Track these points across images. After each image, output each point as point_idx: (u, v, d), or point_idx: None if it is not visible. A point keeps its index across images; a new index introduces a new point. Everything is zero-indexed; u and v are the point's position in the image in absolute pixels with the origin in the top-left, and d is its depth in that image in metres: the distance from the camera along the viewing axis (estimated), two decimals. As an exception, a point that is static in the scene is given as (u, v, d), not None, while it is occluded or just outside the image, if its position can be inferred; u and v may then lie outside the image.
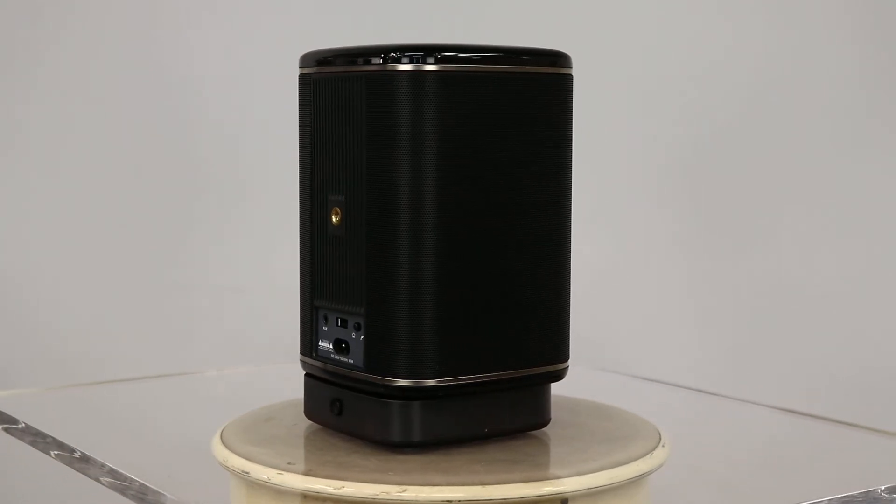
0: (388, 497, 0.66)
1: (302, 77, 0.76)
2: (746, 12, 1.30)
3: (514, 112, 0.73)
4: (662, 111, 1.30)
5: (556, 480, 0.68)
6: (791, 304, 1.30)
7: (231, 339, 1.20)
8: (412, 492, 0.66)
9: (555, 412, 0.79)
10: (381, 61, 0.70)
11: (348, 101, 0.72)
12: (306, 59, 0.76)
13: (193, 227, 1.23)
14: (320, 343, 0.75)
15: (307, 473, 0.68)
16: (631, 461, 0.72)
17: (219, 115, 1.22)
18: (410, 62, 0.70)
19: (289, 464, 0.70)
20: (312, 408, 0.77)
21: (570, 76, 0.76)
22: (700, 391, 1.01)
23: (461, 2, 1.27)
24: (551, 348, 0.75)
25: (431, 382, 0.71)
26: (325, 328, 0.75)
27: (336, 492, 0.67)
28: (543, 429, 0.77)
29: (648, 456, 0.73)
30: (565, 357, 0.76)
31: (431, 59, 0.71)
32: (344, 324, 0.73)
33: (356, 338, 0.72)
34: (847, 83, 1.30)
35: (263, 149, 1.23)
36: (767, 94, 1.30)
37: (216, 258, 1.22)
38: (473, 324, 0.72)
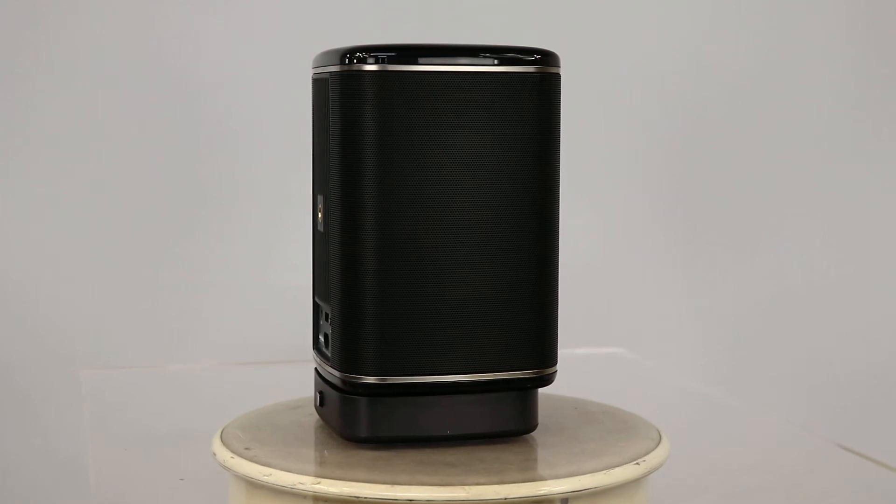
0: (302, 487, 0.68)
1: (312, 77, 0.78)
2: (745, 12, 1.26)
3: (486, 112, 0.71)
4: (659, 110, 1.27)
5: (472, 487, 0.67)
6: (791, 305, 1.25)
7: (233, 338, 1.23)
8: (325, 485, 0.67)
9: (552, 412, 0.78)
10: (347, 62, 0.71)
11: (326, 101, 0.74)
12: (313, 61, 0.78)
13: (195, 226, 1.26)
14: (319, 337, 0.78)
15: (251, 459, 0.71)
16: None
17: (221, 114, 1.24)
18: (376, 62, 0.71)
19: (246, 449, 0.73)
20: (315, 400, 0.79)
21: (555, 75, 0.73)
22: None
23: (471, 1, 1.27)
24: (531, 353, 0.73)
25: (389, 380, 0.71)
26: (321, 322, 0.77)
27: (263, 478, 0.69)
28: (542, 429, 0.76)
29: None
30: (549, 363, 0.74)
31: (396, 59, 0.71)
32: (328, 319, 0.75)
33: (330, 333, 0.74)
34: (847, 83, 1.26)
35: (264, 149, 1.25)
36: (767, 94, 1.26)
37: (217, 257, 1.24)
38: (437, 325, 0.71)
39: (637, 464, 0.71)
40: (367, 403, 0.72)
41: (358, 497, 0.67)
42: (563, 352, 1.14)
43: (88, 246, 1.23)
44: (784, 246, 1.28)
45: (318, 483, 0.68)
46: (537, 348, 0.73)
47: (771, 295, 1.28)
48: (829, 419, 1.24)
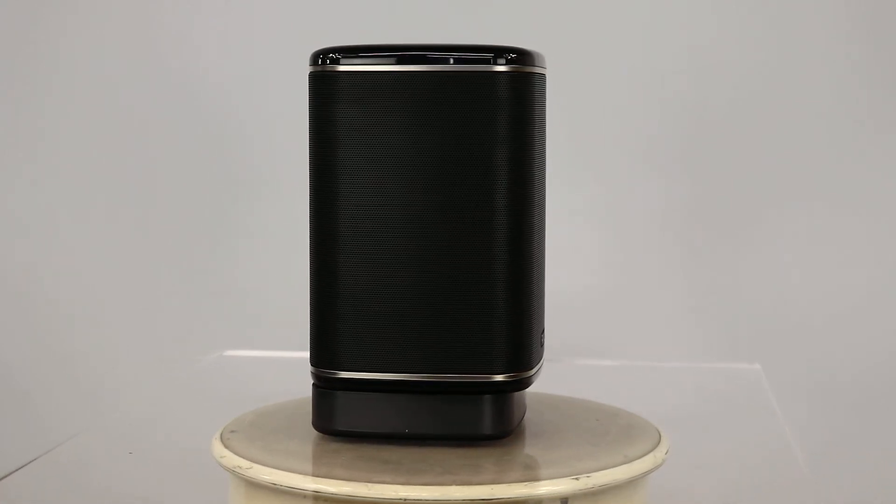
0: (239, 470, 0.72)
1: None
2: (746, 12, 1.20)
3: (457, 112, 0.71)
4: (658, 109, 1.20)
5: (376, 485, 0.67)
6: (793, 305, 1.18)
7: (242, 336, 1.20)
8: (255, 471, 0.71)
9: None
10: (320, 62, 0.74)
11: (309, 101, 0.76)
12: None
13: (195, 225, 1.23)
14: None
15: (224, 443, 0.75)
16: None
17: (224, 113, 1.21)
18: (344, 63, 0.73)
19: (232, 432, 0.77)
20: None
21: (531, 74, 0.71)
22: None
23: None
24: (503, 357, 0.71)
25: (355, 375, 0.73)
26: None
27: (220, 459, 0.74)
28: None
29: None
30: (524, 367, 0.72)
31: (365, 60, 0.73)
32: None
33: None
34: (849, 82, 1.21)
35: (271, 149, 1.21)
36: (769, 93, 1.19)
37: (217, 258, 1.21)
38: (405, 324, 0.72)
39: (576, 478, 0.68)
40: (332, 397, 0.74)
41: (275, 484, 0.69)
42: (690, 365, 1.09)
43: (89, 246, 1.26)
44: (785, 246, 1.21)
45: (251, 468, 0.71)
46: (510, 352, 0.71)
47: (773, 295, 1.19)
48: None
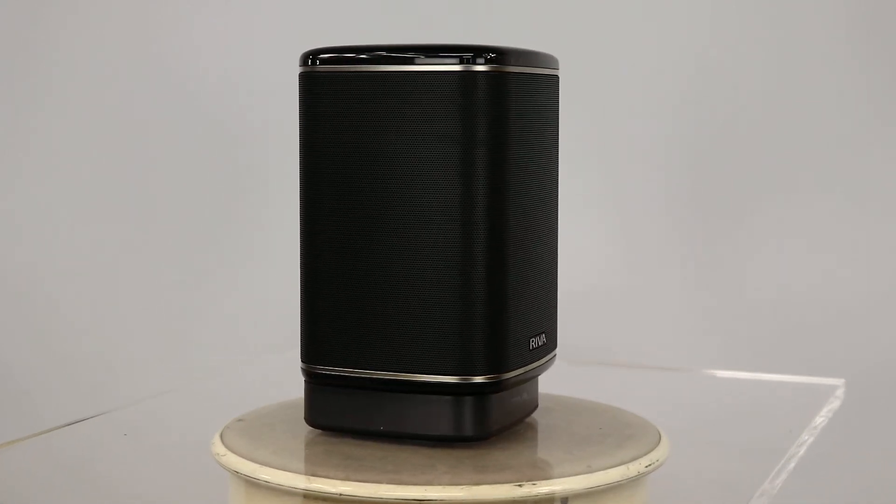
0: (218, 457, 0.73)
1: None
2: (747, 12, 1.20)
3: (436, 111, 0.71)
4: (660, 110, 1.21)
5: (317, 479, 0.68)
6: (794, 305, 1.18)
7: (229, 338, 1.20)
8: (227, 459, 0.72)
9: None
10: (309, 63, 0.75)
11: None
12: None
13: (194, 225, 1.24)
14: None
15: (221, 434, 0.76)
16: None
17: (222, 113, 1.22)
18: (327, 63, 0.74)
19: (238, 421, 0.79)
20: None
21: (511, 74, 0.72)
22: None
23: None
24: (479, 358, 0.72)
25: (337, 371, 0.74)
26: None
27: (210, 447, 0.75)
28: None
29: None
30: (501, 369, 0.72)
31: (347, 60, 0.74)
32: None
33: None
34: (850, 81, 1.20)
35: (271, 149, 1.22)
36: (770, 93, 1.20)
37: (216, 258, 1.21)
38: (384, 323, 0.72)
39: (519, 485, 0.68)
40: (318, 393, 0.75)
41: (238, 472, 0.71)
42: (772, 378, 1.09)
43: (89, 246, 1.27)
44: (786, 245, 1.21)
45: (225, 456, 0.73)
46: (489, 353, 0.72)
47: (774, 295, 1.19)
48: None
